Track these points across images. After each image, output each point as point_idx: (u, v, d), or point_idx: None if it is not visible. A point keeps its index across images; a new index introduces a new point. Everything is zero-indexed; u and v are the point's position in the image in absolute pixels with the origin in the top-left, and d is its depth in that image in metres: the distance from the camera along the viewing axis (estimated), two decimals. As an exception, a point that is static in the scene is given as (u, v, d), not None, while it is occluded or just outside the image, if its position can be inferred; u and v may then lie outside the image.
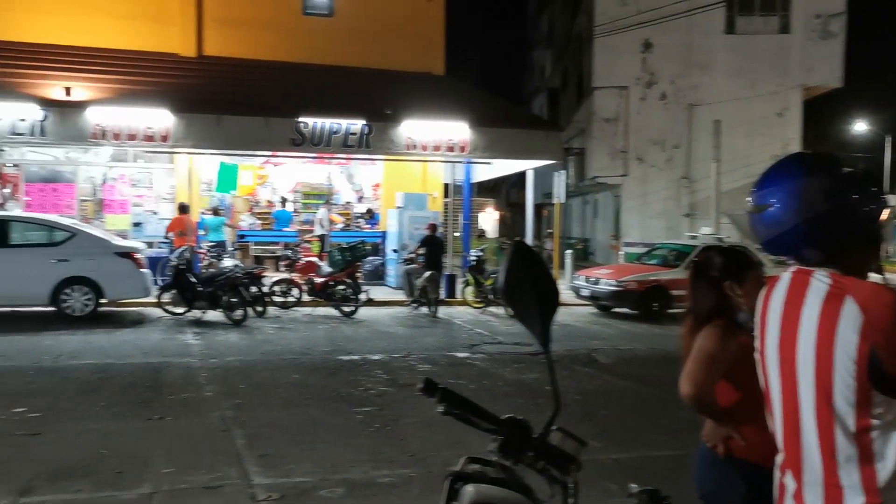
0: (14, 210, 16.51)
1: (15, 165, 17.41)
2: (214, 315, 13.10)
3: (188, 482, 5.29)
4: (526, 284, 1.91)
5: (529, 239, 23.01)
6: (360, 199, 20.69)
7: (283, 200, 19.73)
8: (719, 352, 2.64)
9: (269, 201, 20.12)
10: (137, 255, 13.15)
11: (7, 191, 17.22)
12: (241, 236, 18.73)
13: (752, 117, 23.79)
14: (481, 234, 22.68)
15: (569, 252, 20.92)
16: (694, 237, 17.47)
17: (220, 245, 16.79)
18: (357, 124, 15.98)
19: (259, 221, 19.66)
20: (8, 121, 14.17)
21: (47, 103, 14.38)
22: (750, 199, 1.91)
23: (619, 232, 24.98)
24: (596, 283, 15.49)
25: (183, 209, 15.71)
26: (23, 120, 14.22)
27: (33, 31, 16.73)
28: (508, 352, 10.92)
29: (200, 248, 15.55)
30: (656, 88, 24.21)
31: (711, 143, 20.77)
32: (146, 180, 18.19)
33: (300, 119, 15.65)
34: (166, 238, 15.79)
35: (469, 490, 1.87)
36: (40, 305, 12.79)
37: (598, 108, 24.36)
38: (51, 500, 4.90)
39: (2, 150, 17.19)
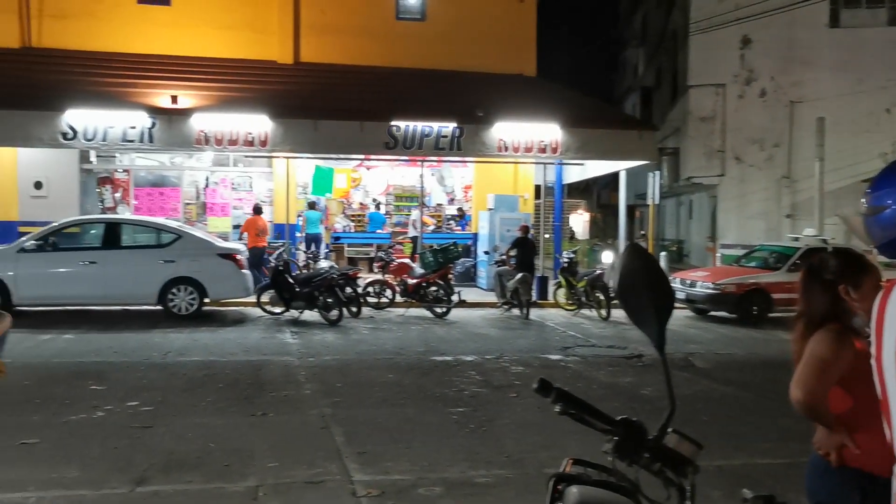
0: (124, 213, 17.38)
1: (125, 171, 18.28)
2: (311, 315, 13.43)
3: (291, 476, 5.45)
4: (641, 286, 1.90)
5: (622, 241, 22.68)
6: (451, 201, 20.82)
7: (377, 203, 20.06)
8: (833, 357, 2.56)
9: (361, 204, 20.48)
10: (239, 257, 13.61)
11: (118, 195, 18.10)
12: (336, 238, 19.14)
13: (858, 114, 22.75)
14: (572, 237, 22.48)
15: (663, 254, 20.47)
16: (796, 239, 16.85)
17: (316, 238, 17.39)
18: (448, 127, 16.10)
19: (352, 224, 20.04)
20: (119, 128, 14.87)
21: (155, 111, 15.03)
22: (864, 200, 1.84)
23: (716, 233, 24.32)
24: (692, 285, 15.12)
25: (257, 210, 16.25)
26: (133, 127, 14.91)
27: (143, 44, 17.55)
28: (602, 355, 10.80)
29: (270, 248, 16.24)
30: (755, 86, 23.44)
31: (814, 141, 19.98)
32: (246, 184, 18.81)
33: (393, 122, 15.88)
34: (240, 239, 16.37)
35: (573, 491, 1.88)
36: (149, 304, 13.39)
37: (694, 106, 23.77)
38: (165, 491, 5.13)
39: (113, 157, 18.10)
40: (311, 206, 18.30)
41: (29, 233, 13.85)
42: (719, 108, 23.68)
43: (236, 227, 18.28)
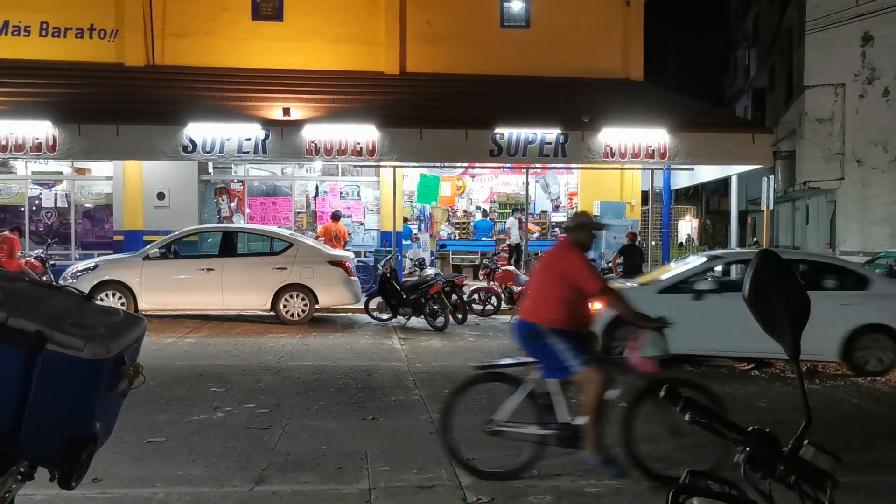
0: (239, 222, 18.09)
1: (240, 181, 19.04)
2: (417, 321, 13.60)
3: (403, 480, 5.53)
4: (774, 293, 1.84)
5: (733, 248, 21.95)
6: (556, 208, 20.68)
7: (484, 211, 20.16)
8: None
9: (465, 211, 20.63)
10: (348, 264, 13.93)
11: (233, 204, 18.86)
12: (441, 246, 19.34)
13: None
14: (682, 244, 21.93)
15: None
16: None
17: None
18: (552, 133, 15.99)
19: (457, 231, 20.20)
20: (235, 141, 15.49)
21: (268, 123, 15.59)
22: None
23: (834, 240, 23.21)
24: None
25: (335, 217, 16.52)
26: (248, 139, 15.50)
27: (257, 59, 18.26)
28: (716, 364, 10.46)
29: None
30: (878, 84, 22.26)
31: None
32: (354, 192, 19.25)
33: (497, 130, 15.90)
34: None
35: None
36: (262, 310, 13.87)
37: (811, 107, 22.77)
38: (282, 490, 5.29)
39: (229, 168, 18.89)
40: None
41: (153, 241, 14.62)
42: (838, 109, 22.61)
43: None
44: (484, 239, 19.51)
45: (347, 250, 15.57)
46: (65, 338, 2.18)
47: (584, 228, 5.84)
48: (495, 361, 7.23)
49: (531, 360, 5.81)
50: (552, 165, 18.62)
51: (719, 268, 11.55)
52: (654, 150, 16.21)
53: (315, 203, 19.19)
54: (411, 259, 17.76)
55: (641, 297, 10.27)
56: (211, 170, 18.68)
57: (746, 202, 27.70)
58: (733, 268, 12.04)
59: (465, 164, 19.21)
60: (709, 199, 39.18)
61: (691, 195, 32.63)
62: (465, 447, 5.72)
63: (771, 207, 19.43)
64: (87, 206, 18.51)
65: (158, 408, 7.38)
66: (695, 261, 11.35)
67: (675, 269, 11.17)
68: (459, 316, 13.79)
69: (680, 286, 10.26)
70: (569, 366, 5.52)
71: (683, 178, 20.55)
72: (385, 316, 13.83)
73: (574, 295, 5.56)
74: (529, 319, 5.74)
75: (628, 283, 11.63)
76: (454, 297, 13.84)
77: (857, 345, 9.83)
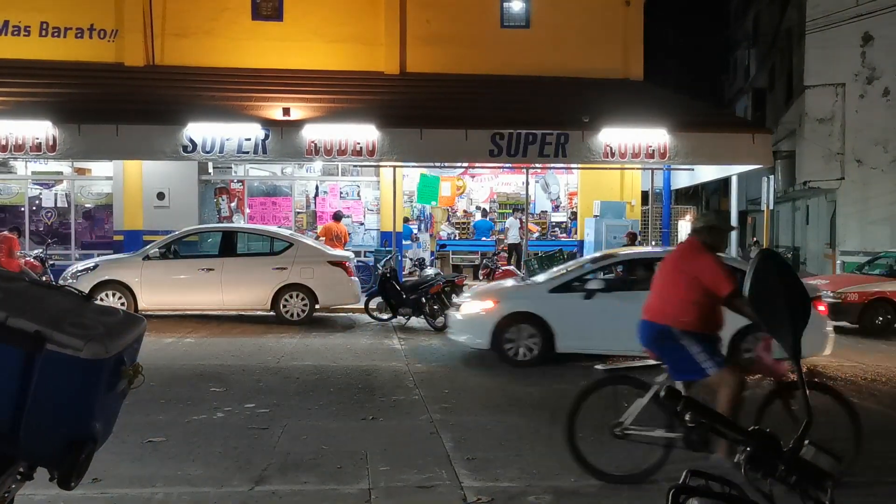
0: (239, 222, 18.09)
1: (240, 181, 19.03)
2: (417, 321, 13.59)
3: (402, 480, 5.53)
4: (775, 293, 1.84)
5: (733, 248, 21.96)
6: (556, 208, 20.69)
7: (484, 211, 20.17)
8: None
9: (465, 211, 20.63)
10: (348, 264, 13.92)
11: (233, 205, 18.86)
12: (441, 246, 19.34)
13: None
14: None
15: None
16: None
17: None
18: (552, 133, 15.98)
19: (457, 231, 20.20)
20: (235, 140, 15.47)
21: (268, 123, 15.57)
22: None
23: (835, 240, 23.21)
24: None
25: (336, 217, 16.51)
26: (248, 139, 15.49)
27: (257, 58, 18.26)
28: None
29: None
30: (878, 84, 22.26)
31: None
32: (354, 192, 19.25)
33: (497, 130, 15.89)
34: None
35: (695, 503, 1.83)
36: (262, 310, 13.87)
37: (811, 107, 22.75)
38: (282, 490, 5.29)
39: (229, 168, 18.89)
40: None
41: (153, 241, 14.62)
42: (838, 109, 22.60)
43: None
44: (484, 239, 19.51)
45: (347, 250, 15.56)
46: (64, 338, 2.18)
47: (714, 230, 5.75)
48: (620, 364, 7.13)
49: (657, 361, 5.75)
50: (552, 165, 18.62)
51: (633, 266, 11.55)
52: (654, 150, 16.20)
53: (315, 203, 19.19)
54: (411, 259, 17.77)
55: (534, 296, 10.34)
56: (211, 170, 18.68)
57: (746, 202, 27.72)
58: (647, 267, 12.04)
59: (465, 164, 19.21)
60: (709, 199, 39.18)
61: (691, 195, 32.62)
62: (587, 450, 5.61)
63: (771, 207, 19.44)
64: (86, 205, 18.51)
65: (158, 408, 7.38)
66: (588, 260, 11.46)
67: (569, 268, 11.21)
68: (460, 316, 13.77)
69: (572, 285, 10.32)
70: (703, 367, 5.43)
71: (683, 178, 20.55)
72: (385, 316, 13.82)
73: (707, 298, 5.49)
74: (659, 321, 5.63)
75: (524, 282, 11.64)
76: (454, 297, 13.82)
77: (743, 344, 9.81)
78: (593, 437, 5.77)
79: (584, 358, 10.07)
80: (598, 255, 12.04)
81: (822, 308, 10.19)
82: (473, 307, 10.46)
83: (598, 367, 7.46)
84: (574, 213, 20.12)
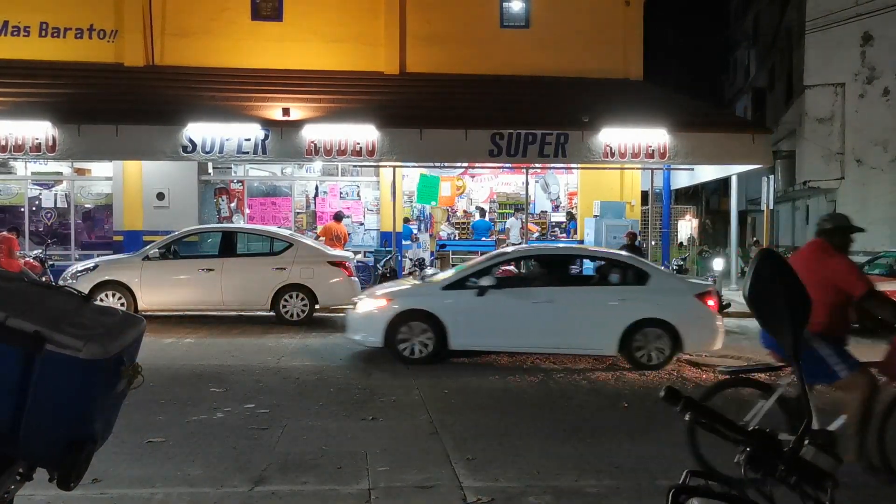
0: (239, 222, 18.09)
1: (240, 181, 19.03)
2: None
3: (402, 481, 5.53)
4: (774, 293, 1.84)
5: (733, 248, 21.97)
6: (556, 207, 20.68)
7: (482, 211, 20.16)
8: None
9: (465, 211, 20.62)
10: (348, 264, 13.91)
11: (233, 205, 18.86)
12: (441, 246, 19.33)
13: None
14: (682, 244, 21.93)
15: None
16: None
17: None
18: (552, 133, 15.97)
19: (457, 231, 20.19)
20: (235, 141, 15.47)
21: (268, 123, 15.57)
22: None
23: (835, 240, 23.20)
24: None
25: (337, 217, 16.49)
26: (247, 139, 15.48)
27: (256, 59, 18.27)
28: (716, 364, 10.46)
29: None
30: (878, 84, 22.28)
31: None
32: (354, 192, 19.25)
33: (497, 130, 15.88)
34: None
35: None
36: (262, 310, 13.86)
37: (811, 107, 22.77)
38: (282, 491, 5.29)
39: (229, 168, 18.88)
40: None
41: (152, 241, 14.61)
42: (838, 109, 22.62)
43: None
44: (483, 239, 19.50)
45: (347, 250, 15.56)
46: (63, 338, 2.18)
47: (842, 231, 5.77)
48: (742, 366, 7.08)
49: (781, 364, 5.71)
50: (552, 165, 18.62)
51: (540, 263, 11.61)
52: (653, 150, 16.20)
53: (315, 203, 19.18)
54: (411, 259, 17.76)
55: (427, 294, 10.37)
56: (211, 170, 18.68)
57: (746, 202, 27.72)
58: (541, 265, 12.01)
59: (465, 164, 19.20)
60: (709, 199, 39.19)
61: (691, 195, 32.63)
62: (708, 453, 5.47)
63: (771, 207, 19.43)
64: (86, 206, 18.51)
65: (158, 408, 7.38)
66: (484, 257, 11.48)
67: (466, 266, 11.24)
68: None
69: (465, 282, 10.35)
70: (836, 370, 5.41)
71: (683, 178, 20.54)
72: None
73: (838, 299, 5.47)
74: None
75: (415, 280, 11.63)
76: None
77: (635, 339, 10.01)
78: (712, 438, 5.69)
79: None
80: (494, 252, 12.02)
81: (711, 303, 10.23)
82: (368, 305, 10.48)
83: (721, 368, 7.40)
84: (570, 214, 20.12)
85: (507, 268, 15.78)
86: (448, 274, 11.11)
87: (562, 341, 10.18)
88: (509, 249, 11.70)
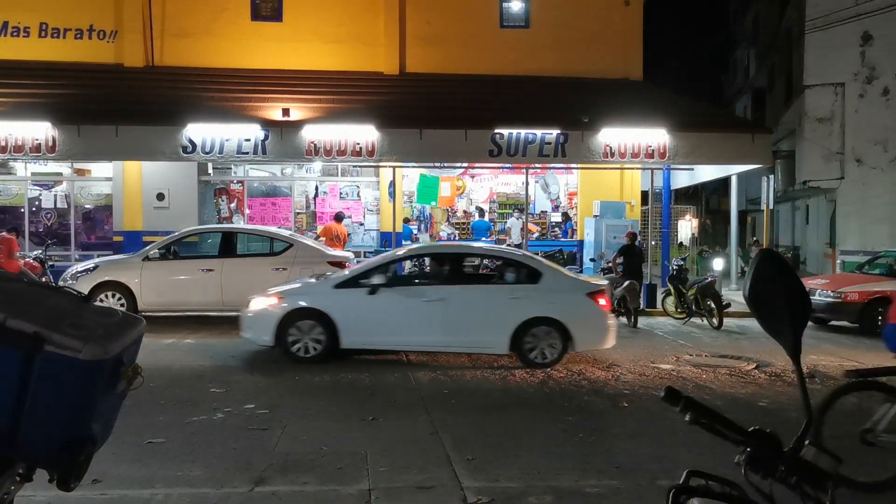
0: (239, 223, 18.08)
1: (239, 182, 19.03)
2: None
3: (402, 481, 5.53)
4: (774, 293, 1.84)
5: (733, 248, 21.96)
6: (556, 208, 20.68)
7: (482, 211, 20.16)
8: None
9: (465, 211, 20.62)
10: (348, 265, 13.89)
11: (233, 205, 18.86)
12: (441, 246, 19.31)
13: None
14: (681, 244, 21.93)
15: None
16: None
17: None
18: (552, 133, 15.98)
19: (456, 231, 20.19)
20: (235, 141, 15.46)
21: (268, 124, 15.57)
22: None
23: (835, 239, 23.20)
24: (810, 294, 14.47)
25: (337, 217, 16.48)
26: (247, 140, 15.48)
27: (256, 59, 18.27)
28: (716, 365, 10.47)
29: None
30: (878, 84, 22.26)
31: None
32: (353, 193, 19.25)
33: (496, 130, 15.89)
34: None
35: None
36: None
37: (810, 107, 22.75)
38: (282, 491, 5.29)
39: (229, 168, 18.89)
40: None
41: (152, 242, 14.61)
42: (838, 109, 22.60)
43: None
44: (483, 239, 19.49)
45: (347, 251, 15.55)
46: (63, 339, 2.18)
47: None
48: (869, 368, 6.99)
49: None
50: (552, 165, 18.62)
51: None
52: (653, 150, 16.20)
53: (315, 203, 19.18)
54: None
55: (318, 292, 10.37)
56: (210, 170, 18.68)
57: (746, 202, 27.71)
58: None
59: (465, 165, 19.21)
60: (709, 199, 39.20)
61: (691, 195, 32.65)
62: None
63: (771, 207, 19.44)
64: (86, 206, 18.51)
65: (158, 409, 7.37)
66: (378, 257, 11.50)
67: (361, 264, 11.26)
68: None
69: (358, 280, 10.35)
70: None
71: (683, 178, 20.54)
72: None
73: None
74: None
75: (309, 279, 11.64)
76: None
77: (527, 337, 10.03)
78: (836, 441, 5.68)
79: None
80: (389, 252, 12.05)
81: (602, 302, 10.27)
82: (260, 304, 10.45)
83: (847, 370, 7.33)
84: (565, 215, 20.13)
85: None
86: (343, 272, 11.07)
87: (454, 340, 10.19)
88: (401, 250, 11.71)
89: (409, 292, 10.38)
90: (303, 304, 10.24)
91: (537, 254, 16.34)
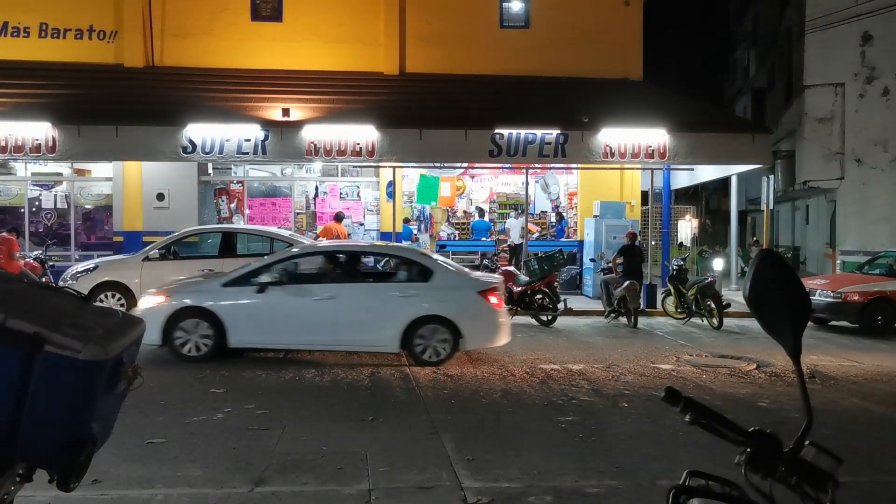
0: (239, 223, 18.08)
1: (239, 182, 19.03)
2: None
3: (402, 481, 5.52)
4: (774, 294, 1.84)
5: (733, 248, 21.96)
6: (556, 208, 20.68)
7: (481, 211, 20.16)
8: None
9: (465, 211, 20.62)
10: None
11: (233, 205, 18.86)
12: (441, 246, 19.32)
13: None
14: (681, 244, 21.93)
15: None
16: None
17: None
18: (552, 133, 15.98)
19: (457, 231, 20.19)
20: (235, 141, 15.46)
21: (268, 124, 15.57)
22: None
23: (835, 239, 23.20)
24: (810, 294, 14.47)
25: (337, 218, 16.47)
26: (247, 140, 15.48)
27: (256, 59, 18.26)
28: (716, 365, 10.47)
29: None
30: (877, 84, 22.26)
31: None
32: (353, 193, 19.25)
33: (497, 130, 15.89)
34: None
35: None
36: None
37: (810, 107, 22.75)
38: (282, 492, 5.29)
39: (229, 169, 18.89)
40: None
41: (152, 242, 14.61)
42: (838, 109, 22.61)
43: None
44: (483, 239, 19.50)
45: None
46: (63, 339, 2.17)
47: None
48: None
49: None
50: (552, 165, 18.62)
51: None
52: (653, 150, 16.21)
53: (315, 204, 19.19)
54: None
55: (205, 291, 10.35)
56: (210, 170, 18.68)
57: (746, 202, 27.69)
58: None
59: (465, 165, 19.21)
60: (709, 199, 39.19)
61: (691, 195, 32.62)
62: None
63: (771, 207, 19.43)
64: (86, 207, 18.50)
65: (158, 409, 7.37)
66: (271, 256, 11.44)
67: (251, 263, 11.14)
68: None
69: (248, 279, 10.30)
70: None
71: (683, 178, 20.54)
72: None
73: None
74: None
75: (196, 277, 11.60)
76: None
77: (417, 335, 10.03)
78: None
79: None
80: (284, 251, 11.88)
81: (494, 300, 10.27)
82: (148, 302, 10.41)
83: None
84: (559, 215, 20.13)
85: (508, 268, 15.82)
86: (233, 270, 11.01)
87: (343, 338, 10.18)
88: (296, 249, 11.71)
89: (299, 291, 10.28)
90: (188, 302, 10.19)
91: (537, 254, 16.40)
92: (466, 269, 11.77)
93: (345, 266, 10.96)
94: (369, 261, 12.82)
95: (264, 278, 10.23)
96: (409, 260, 10.88)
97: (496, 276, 12.56)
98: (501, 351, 11.20)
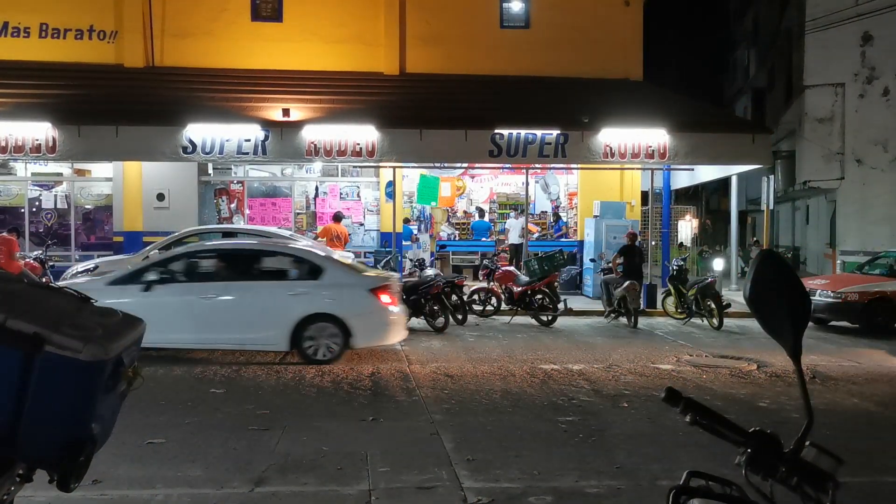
0: (239, 223, 18.08)
1: (239, 182, 19.03)
2: (417, 322, 13.56)
3: (403, 482, 5.52)
4: (775, 294, 1.83)
5: (733, 248, 21.95)
6: (556, 208, 20.69)
7: (481, 211, 20.17)
8: None
9: (465, 212, 20.62)
10: (347, 265, 13.88)
11: (233, 205, 18.85)
12: (441, 246, 19.34)
13: None
14: (682, 244, 21.92)
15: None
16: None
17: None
18: (552, 133, 15.98)
19: (457, 232, 20.19)
20: (235, 141, 15.46)
21: (268, 124, 15.57)
22: None
23: (835, 240, 23.19)
24: (810, 294, 14.46)
25: (336, 218, 16.47)
26: (247, 140, 15.48)
27: (256, 59, 18.26)
28: (716, 365, 10.46)
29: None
30: (878, 84, 22.24)
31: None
32: (353, 193, 19.25)
33: (497, 130, 15.88)
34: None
35: (696, 504, 1.82)
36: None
37: (811, 107, 22.73)
38: (282, 492, 5.29)
39: (229, 169, 18.88)
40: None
41: (153, 242, 14.61)
42: (838, 109, 22.58)
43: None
44: (483, 240, 19.50)
45: (347, 251, 15.54)
46: (63, 339, 2.17)
47: None
48: None
49: None
50: (552, 166, 18.62)
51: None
52: (653, 151, 16.21)
53: (315, 204, 19.18)
54: (411, 260, 17.74)
55: (91, 289, 10.24)
56: (210, 171, 18.68)
57: (746, 202, 27.68)
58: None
59: (465, 165, 19.21)
60: (709, 199, 39.18)
61: (691, 195, 32.61)
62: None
63: (771, 207, 19.41)
64: (86, 207, 18.50)
65: (158, 409, 7.37)
66: (162, 254, 11.39)
67: (140, 261, 11.13)
68: (459, 316, 13.79)
69: (134, 278, 10.24)
70: None
71: (683, 178, 20.54)
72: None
73: None
74: None
75: (79, 276, 11.47)
76: (454, 297, 13.82)
77: (306, 334, 10.01)
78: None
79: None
80: (176, 250, 11.86)
81: (386, 298, 10.29)
82: None
83: None
84: (556, 215, 20.13)
85: (508, 268, 15.82)
86: (123, 269, 10.91)
87: (230, 337, 10.12)
88: (184, 247, 11.65)
89: (185, 289, 10.23)
90: None
91: (537, 254, 16.41)
92: (366, 267, 11.68)
93: (234, 264, 10.89)
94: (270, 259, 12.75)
95: (151, 277, 10.16)
96: (300, 258, 10.79)
97: (393, 273, 12.49)
98: (502, 351, 11.21)
